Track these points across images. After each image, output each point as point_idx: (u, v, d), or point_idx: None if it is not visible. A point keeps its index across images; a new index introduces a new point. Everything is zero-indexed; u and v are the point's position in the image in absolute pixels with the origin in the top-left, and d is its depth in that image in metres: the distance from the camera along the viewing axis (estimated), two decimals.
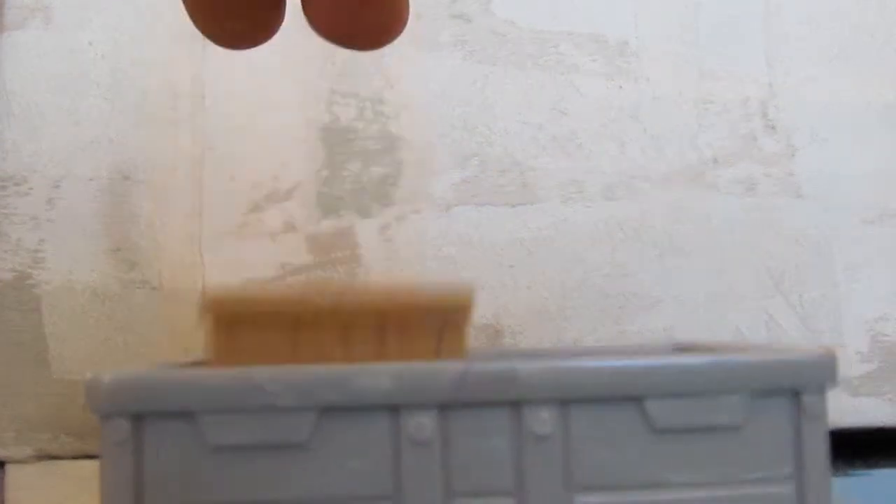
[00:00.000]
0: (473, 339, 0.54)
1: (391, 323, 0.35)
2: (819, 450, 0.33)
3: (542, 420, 0.31)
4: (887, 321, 0.57)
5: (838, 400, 0.55)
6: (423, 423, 0.31)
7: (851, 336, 0.56)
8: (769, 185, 0.57)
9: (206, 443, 0.30)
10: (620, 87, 0.58)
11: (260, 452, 0.30)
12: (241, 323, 0.34)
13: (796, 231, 0.57)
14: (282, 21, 0.19)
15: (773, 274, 0.56)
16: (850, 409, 0.55)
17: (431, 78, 0.57)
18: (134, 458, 0.30)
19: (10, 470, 0.52)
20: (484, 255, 0.55)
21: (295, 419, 0.30)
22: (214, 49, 0.56)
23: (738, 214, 0.57)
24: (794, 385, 0.33)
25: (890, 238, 0.57)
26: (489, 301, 0.55)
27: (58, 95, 0.55)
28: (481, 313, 0.55)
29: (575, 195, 0.56)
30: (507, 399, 0.31)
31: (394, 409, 0.31)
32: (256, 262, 0.54)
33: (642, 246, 0.56)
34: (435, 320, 0.35)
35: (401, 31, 0.19)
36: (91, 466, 0.51)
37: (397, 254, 0.55)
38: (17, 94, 0.54)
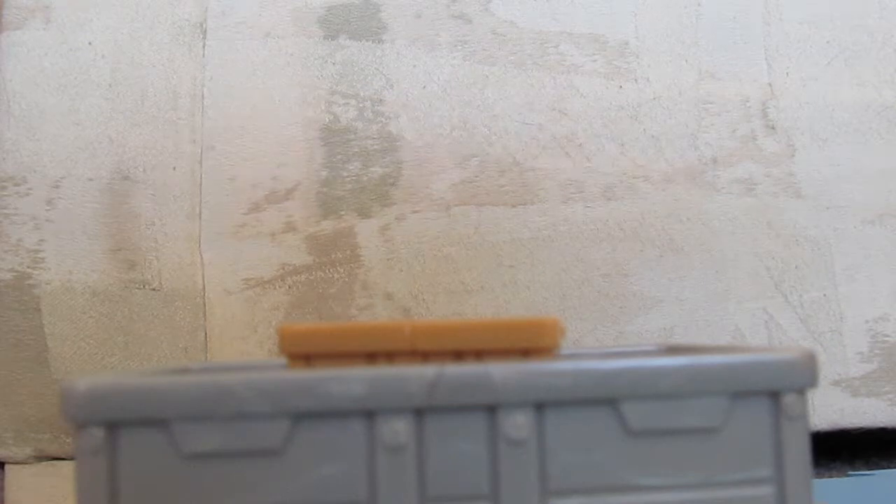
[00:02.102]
0: None
1: (469, 359, 0.35)
2: (799, 451, 0.32)
3: (518, 424, 0.31)
4: (887, 321, 0.56)
5: (838, 400, 0.55)
6: (398, 428, 0.30)
7: (851, 336, 0.56)
8: (769, 185, 0.57)
9: (179, 450, 0.30)
10: (620, 87, 0.58)
11: (234, 459, 0.30)
12: (317, 358, 0.35)
13: (796, 231, 0.57)
14: None
15: (773, 274, 0.56)
16: (850, 409, 0.55)
17: (431, 78, 0.57)
18: (108, 466, 0.30)
19: (10, 470, 0.52)
20: (484, 255, 0.55)
21: (268, 426, 0.30)
22: (214, 49, 0.56)
23: (738, 214, 0.57)
24: (773, 386, 0.32)
25: (890, 238, 0.57)
26: (489, 301, 0.55)
27: (58, 95, 0.55)
28: (481, 313, 0.55)
29: (575, 195, 0.56)
30: (482, 403, 0.31)
31: (368, 414, 0.31)
32: (256, 262, 0.54)
33: (642, 246, 0.56)
34: (515, 356, 0.34)
35: None
36: None
37: (397, 254, 0.55)
38: (18, 94, 0.54)
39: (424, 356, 0.34)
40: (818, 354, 0.56)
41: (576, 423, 0.32)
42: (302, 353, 0.35)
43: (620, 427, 0.32)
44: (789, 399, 0.33)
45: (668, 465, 0.32)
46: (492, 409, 0.31)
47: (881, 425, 0.55)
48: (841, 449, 0.58)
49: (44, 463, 0.52)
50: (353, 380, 0.31)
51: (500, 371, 0.31)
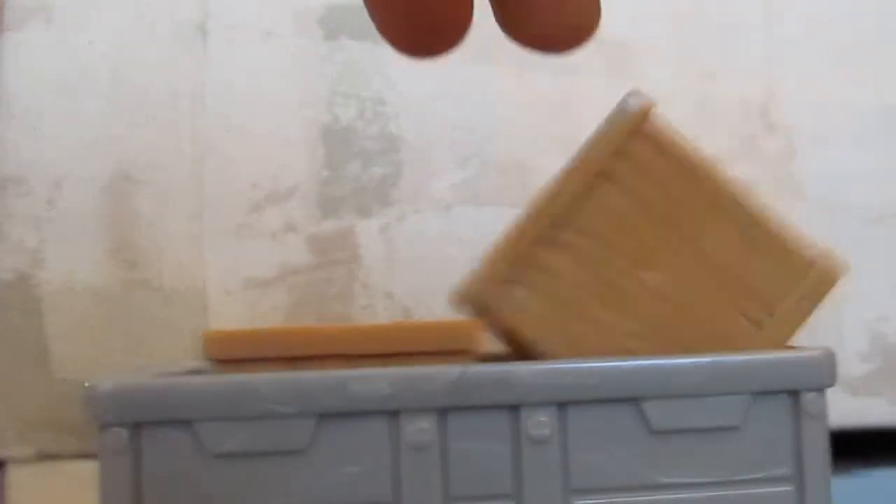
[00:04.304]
0: None
1: (394, 362, 0.34)
2: (819, 449, 0.33)
3: (540, 423, 0.31)
4: (887, 321, 0.57)
5: (838, 400, 0.55)
6: (422, 428, 0.31)
7: (851, 336, 0.56)
8: (769, 185, 0.57)
9: (204, 450, 0.30)
10: (621, 87, 0.58)
11: (259, 459, 0.30)
12: (241, 363, 0.34)
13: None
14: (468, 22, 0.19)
15: None
16: (850, 409, 0.55)
17: (431, 78, 0.57)
18: (133, 466, 0.30)
19: (11, 470, 0.52)
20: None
21: (294, 425, 0.30)
22: (214, 49, 0.56)
23: None
24: (792, 385, 0.33)
25: (890, 238, 0.57)
26: None
27: (58, 95, 0.55)
28: None
29: None
30: (505, 402, 0.31)
31: (392, 413, 0.31)
32: (256, 262, 0.54)
33: None
34: (437, 357, 0.34)
35: (595, 30, 0.18)
36: (92, 466, 0.51)
37: (397, 254, 0.55)
38: (18, 95, 0.54)
39: (348, 359, 0.34)
40: None
41: (598, 422, 0.32)
42: (226, 358, 0.34)
43: (642, 426, 0.32)
44: (809, 398, 0.33)
45: (689, 464, 0.32)
46: (515, 409, 0.31)
47: (881, 425, 0.56)
48: (841, 449, 0.58)
49: (45, 462, 0.52)
50: (378, 379, 0.31)
51: (523, 370, 0.31)
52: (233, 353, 0.34)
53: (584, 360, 0.32)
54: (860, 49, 0.60)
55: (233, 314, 0.54)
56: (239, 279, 0.54)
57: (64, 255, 0.53)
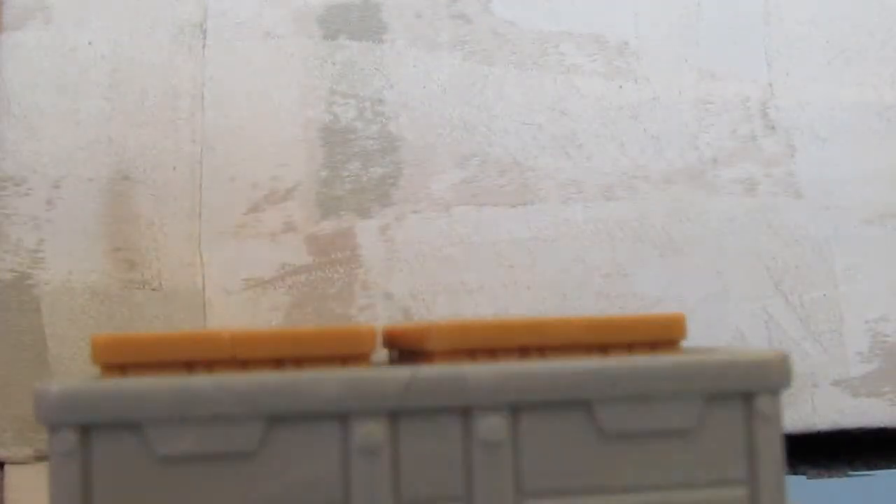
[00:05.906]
0: None
1: (289, 367, 0.34)
2: (773, 452, 0.32)
3: (493, 426, 0.31)
4: (887, 321, 0.56)
5: (838, 400, 0.55)
6: (372, 431, 0.30)
7: (851, 336, 0.56)
8: (769, 185, 0.57)
9: (153, 453, 0.30)
10: (620, 87, 0.58)
11: (208, 462, 0.30)
12: (132, 368, 0.33)
13: (796, 231, 0.57)
14: None
15: (773, 274, 0.56)
16: (850, 409, 0.55)
17: (431, 78, 0.57)
18: (81, 469, 0.29)
19: (10, 470, 0.52)
20: (484, 255, 0.55)
21: (243, 428, 0.30)
22: (214, 49, 0.56)
23: (738, 214, 0.57)
24: (746, 387, 0.32)
25: (890, 238, 0.57)
26: (489, 301, 0.55)
27: (58, 95, 0.55)
28: (481, 313, 0.55)
29: (575, 195, 0.56)
30: (457, 405, 0.31)
31: (342, 416, 0.31)
32: (256, 262, 0.54)
33: (642, 246, 0.56)
34: (334, 363, 0.34)
35: None
36: None
37: (397, 254, 0.55)
38: (17, 94, 0.54)
39: (244, 365, 0.33)
40: (818, 354, 0.56)
41: (550, 425, 0.32)
42: (116, 363, 0.33)
43: (594, 429, 0.32)
44: (763, 400, 0.33)
45: (642, 467, 0.32)
46: (466, 412, 0.31)
47: (881, 425, 0.55)
48: (841, 449, 0.58)
49: (43, 463, 0.52)
50: (328, 382, 0.31)
51: (474, 372, 0.31)
52: (124, 358, 0.33)
53: (536, 362, 0.32)
54: (860, 49, 0.60)
55: (232, 314, 0.54)
56: (238, 279, 0.54)
57: (63, 255, 0.53)
